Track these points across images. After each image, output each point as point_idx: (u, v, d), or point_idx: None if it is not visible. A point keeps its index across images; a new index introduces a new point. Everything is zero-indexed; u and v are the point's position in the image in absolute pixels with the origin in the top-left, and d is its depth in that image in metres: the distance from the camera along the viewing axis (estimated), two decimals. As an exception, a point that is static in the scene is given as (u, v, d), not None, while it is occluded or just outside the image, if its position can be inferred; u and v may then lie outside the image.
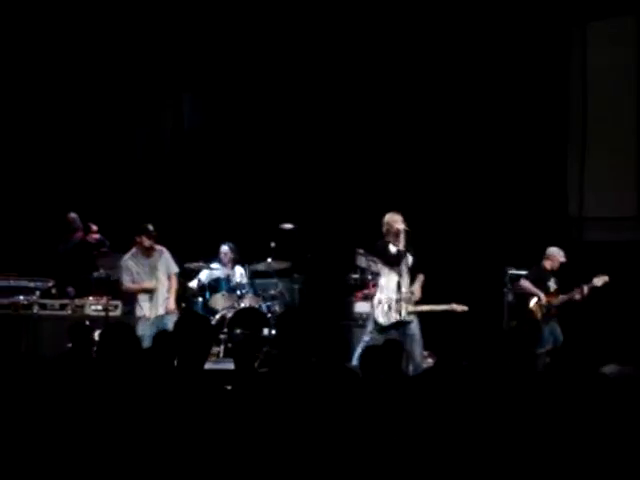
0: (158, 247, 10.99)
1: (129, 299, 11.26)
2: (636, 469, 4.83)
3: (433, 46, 13.83)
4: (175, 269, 11.15)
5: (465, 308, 10.43)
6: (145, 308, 10.75)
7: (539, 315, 11.38)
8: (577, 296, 11.32)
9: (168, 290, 10.93)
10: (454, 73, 13.88)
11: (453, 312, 10.41)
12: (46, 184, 13.71)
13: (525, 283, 11.64)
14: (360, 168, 14.05)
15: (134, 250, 10.90)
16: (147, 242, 10.82)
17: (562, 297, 11.38)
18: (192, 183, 14.07)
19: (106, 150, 14.10)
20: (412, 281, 10.37)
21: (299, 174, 14.20)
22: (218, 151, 14.36)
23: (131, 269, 10.83)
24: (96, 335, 10.87)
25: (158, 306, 10.81)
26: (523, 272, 12.58)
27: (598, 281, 11.24)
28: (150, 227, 10.86)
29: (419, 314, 10.33)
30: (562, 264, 11.57)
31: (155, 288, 10.80)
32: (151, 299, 10.78)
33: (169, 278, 11.00)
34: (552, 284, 11.51)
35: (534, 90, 13.69)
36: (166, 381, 5.14)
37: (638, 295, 12.09)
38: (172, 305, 10.86)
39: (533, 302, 11.46)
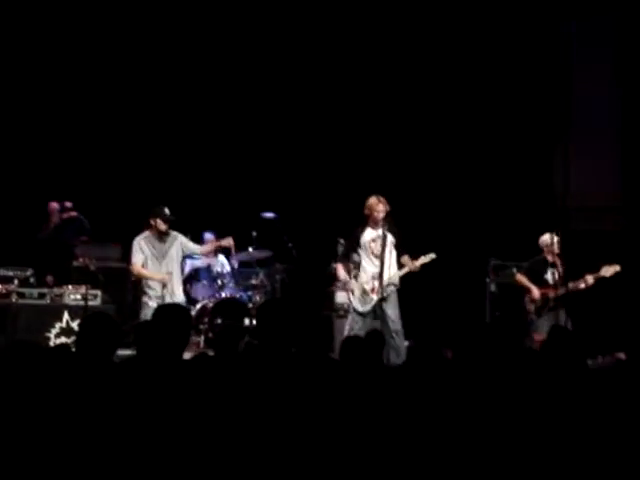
0: (173, 232, 10.85)
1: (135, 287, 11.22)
2: (621, 458, 4.80)
3: (422, 40, 13.82)
4: (194, 248, 11.13)
5: (433, 256, 10.35)
6: (154, 296, 10.60)
7: (532, 308, 11.16)
8: (581, 286, 11.04)
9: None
10: (440, 66, 13.89)
11: (426, 264, 10.33)
12: (25, 171, 13.59)
13: (519, 277, 11.38)
14: (343, 155, 14.05)
15: (147, 233, 10.72)
16: (163, 226, 10.66)
17: (563, 288, 10.96)
18: (173, 171, 13.98)
19: (86, 137, 13.98)
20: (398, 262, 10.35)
21: (281, 162, 14.17)
22: (199, 140, 14.27)
23: (143, 251, 10.66)
24: (75, 325, 10.99)
25: (174, 294, 10.67)
26: (508, 263, 12.56)
27: (607, 271, 10.85)
28: (166, 210, 10.70)
29: (400, 303, 10.29)
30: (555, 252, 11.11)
31: (165, 281, 10.64)
32: (164, 287, 10.64)
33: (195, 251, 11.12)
34: (550, 275, 11.06)
35: (521, 83, 13.75)
36: (145, 371, 5.10)
37: (625, 283, 12.02)
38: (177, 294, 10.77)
39: (527, 296, 11.23)
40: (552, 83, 13.80)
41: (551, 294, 10.94)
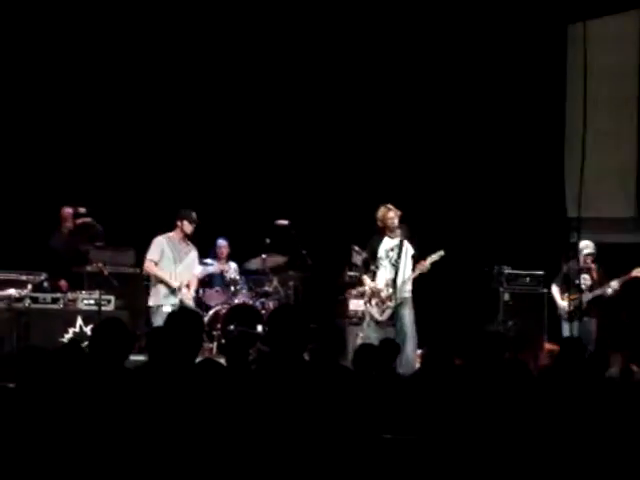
0: (191, 244, 11.02)
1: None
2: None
3: (429, 42, 13.79)
4: (198, 270, 11.26)
5: (442, 253, 10.35)
6: (161, 298, 10.66)
7: (565, 314, 11.15)
8: (608, 291, 11.04)
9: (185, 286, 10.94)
10: (451, 71, 13.87)
11: (436, 262, 10.37)
12: (39, 176, 13.60)
13: (553, 289, 11.51)
14: (356, 164, 14.02)
15: (171, 234, 10.87)
16: (189, 228, 10.83)
17: (590, 294, 11.09)
18: (187, 178, 13.98)
19: (101, 142, 13.99)
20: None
21: (295, 170, 14.15)
22: (213, 146, 14.27)
23: (163, 249, 10.77)
24: (88, 330, 10.99)
25: (185, 297, 10.77)
26: (520, 272, 12.53)
27: (638, 271, 10.97)
28: (194, 214, 10.86)
29: (415, 311, 10.28)
30: (591, 257, 11.23)
31: (176, 288, 10.72)
32: (174, 292, 10.70)
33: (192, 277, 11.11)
34: (583, 281, 11.10)
35: (532, 89, 13.70)
36: (157, 377, 5.09)
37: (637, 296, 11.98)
38: (187, 296, 10.83)
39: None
40: (563, 88, 13.75)
41: (583, 298, 10.97)
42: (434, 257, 10.35)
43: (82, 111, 13.93)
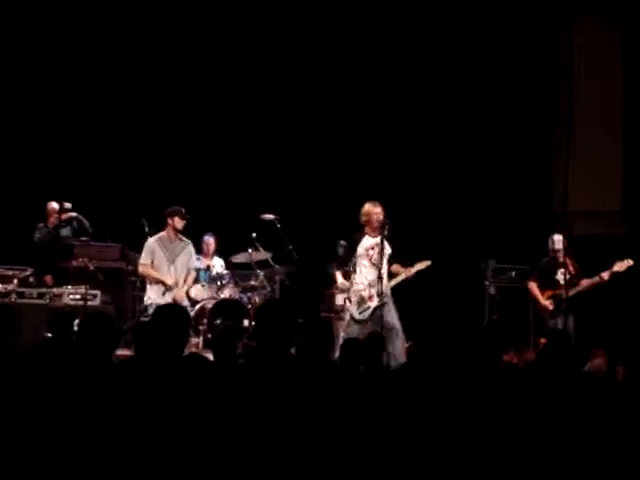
0: (186, 239, 11.01)
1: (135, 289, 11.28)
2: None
3: (417, 42, 13.82)
4: (194, 265, 11.26)
5: (429, 262, 10.33)
6: (153, 298, 10.66)
7: (547, 314, 11.11)
8: (596, 281, 10.96)
9: (182, 283, 10.96)
10: (439, 70, 13.88)
11: (421, 271, 10.29)
12: (25, 171, 13.56)
13: (530, 285, 11.34)
14: (343, 159, 14.02)
15: (162, 234, 10.90)
16: (180, 224, 10.84)
17: (576, 288, 10.96)
18: (172, 173, 13.96)
19: (86, 137, 13.95)
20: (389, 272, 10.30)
21: (280, 164, 14.14)
22: (199, 141, 14.25)
23: (154, 252, 10.80)
24: (74, 324, 10.97)
25: (179, 298, 10.78)
26: (507, 266, 12.56)
27: (620, 266, 10.81)
28: (183, 209, 10.90)
29: (399, 305, 10.25)
30: (559, 251, 10.99)
31: (171, 285, 10.73)
32: (166, 292, 10.71)
33: (187, 272, 11.10)
34: (560, 276, 10.97)
35: (521, 86, 13.73)
36: (144, 372, 5.09)
37: (626, 288, 12.00)
38: (180, 296, 10.82)
39: (538, 305, 11.25)
40: (553, 86, 13.80)
41: (563, 295, 10.85)
42: (420, 266, 10.31)
43: (68, 106, 13.89)
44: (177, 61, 14.12)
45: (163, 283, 10.82)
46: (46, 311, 11.07)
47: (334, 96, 14.12)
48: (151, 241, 10.91)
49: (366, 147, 14.01)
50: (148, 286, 10.99)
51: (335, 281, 10.85)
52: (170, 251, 10.88)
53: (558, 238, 11.08)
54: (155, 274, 10.81)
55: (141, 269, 11.00)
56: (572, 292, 10.89)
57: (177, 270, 10.93)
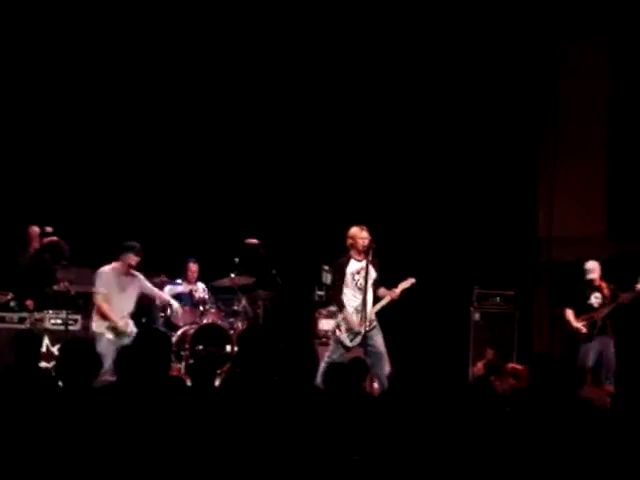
0: (136, 272, 10.87)
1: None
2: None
3: (403, 58, 13.81)
4: (176, 290, 11.48)
5: (413, 281, 10.29)
6: (104, 327, 10.50)
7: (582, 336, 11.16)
8: (621, 301, 11.08)
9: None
10: (423, 95, 13.87)
11: (406, 290, 10.26)
12: (6, 195, 13.48)
13: (567, 313, 11.38)
14: (327, 183, 13.99)
15: (117, 265, 10.73)
16: (135, 261, 10.70)
17: (610, 305, 11.13)
18: (155, 197, 13.91)
19: (67, 162, 13.88)
20: (375, 296, 10.25)
21: (265, 189, 14.10)
22: (182, 165, 14.21)
23: (109, 282, 10.64)
24: (55, 349, 10.90)
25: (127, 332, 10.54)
26: (490, 291, 12.57)
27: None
28: (138, 245, 10.74)
29: (384, 332, 10.20)
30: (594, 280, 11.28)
31: (120, 328, 10.51)
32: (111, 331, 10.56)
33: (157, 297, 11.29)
34: (594, 299, 11.19)
35: (505, 110, 13.72)
36: (125, 397, 5.05)
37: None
38: (125, 324, 10.65)
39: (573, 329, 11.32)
40: (538, 108, 13.83)
41: (597, 316, 11.08)
42: (405, 285, 10.29)
43: (48, 130, 13.82)
44: (159, 84, 14.06)
45: (111, 321, 10.57)
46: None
47: (318, 120, 14.10)
48: (105, 269, 10.70)
49: (351, 172, 13.98)
50: (96, 315, 10.69)
51: (340, 306, 10.52)
52: (122, 282, 10.70)
53: (591, 267, 11.33)
54: (109, 313, 10.52)
55: (100, 299, 10.64)
56: (605, 311, 11.02)
57: (126, 302, 10.74)
